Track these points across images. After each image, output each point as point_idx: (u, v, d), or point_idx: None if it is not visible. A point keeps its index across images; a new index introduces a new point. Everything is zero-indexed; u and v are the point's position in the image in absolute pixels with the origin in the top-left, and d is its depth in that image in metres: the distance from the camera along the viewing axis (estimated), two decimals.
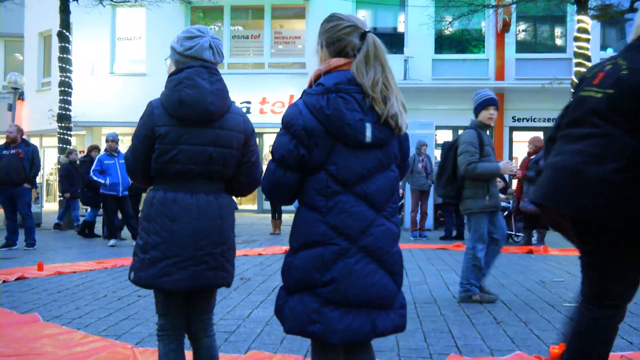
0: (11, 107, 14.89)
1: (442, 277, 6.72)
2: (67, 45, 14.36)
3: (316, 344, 2.14)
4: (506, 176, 10.55)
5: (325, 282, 2.03)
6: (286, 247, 2.19)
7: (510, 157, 17.70)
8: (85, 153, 13.38)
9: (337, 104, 2.01)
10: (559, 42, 19.48)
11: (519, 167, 9.95)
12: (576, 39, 14.12)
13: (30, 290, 5.90)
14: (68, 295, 5.61)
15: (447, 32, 19.49)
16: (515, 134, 18.80)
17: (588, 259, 2.36)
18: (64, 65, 14.30)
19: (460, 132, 18.92)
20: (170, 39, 2.61)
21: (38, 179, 10.30)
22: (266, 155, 14.32)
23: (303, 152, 2.04)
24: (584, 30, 13.93)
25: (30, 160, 9.45)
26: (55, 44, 15.68)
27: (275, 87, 18.94)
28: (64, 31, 14.26)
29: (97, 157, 10.33)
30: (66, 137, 14.37)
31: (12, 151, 9.40)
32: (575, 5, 14.14)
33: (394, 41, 19.39)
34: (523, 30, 19.79)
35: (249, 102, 18.89)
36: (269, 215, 13.36)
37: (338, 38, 2.11)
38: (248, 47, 20.24)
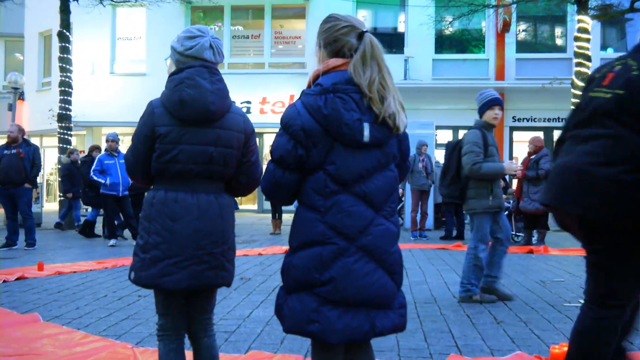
0: (11, 107, 14.89)
1: (442, 277, 6.72)
2: (67, 45, 14.36)
3: (316, 344, 2.14)
4: (506, 176, 10.54)
5: (324, 281, 2.03)
6: (286, 247, 2.19)
7: (511, 157, 17.71)
8: (86, 153, 13.39)
9: (335, 104, 2.02)
10: (559, 42, 19.49)
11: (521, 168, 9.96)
12: (576, 38, 14.12)
13: (30, 290, 5.90)
14: (68, 295, 5.61)
15: (447, 32, 19.49)
16: (516, 133, 18.81)
17: (594, 259, 2.36)
18: (64, 65, 14.30)
19: (460, 132, 18.89)
20: (171, 38, 2.61)
21: (38, 179, 10.29)
22: (266, 155, 14.32)
23: (301, 152, 2.04)
24: (584, 30, 13.92)
25: (31, 160, 9.45)
26: (56, 43, 15.67)
27: (276, 87, 18.94)
28: (64, 31, 14.26)
29: (97, 157, 10.34)
30: (66, 137, 14.37)
31: (13, 151, 9.40)
32: (575, 5, 14.14)
33: (394, 41, 19.41)
34: (523, 30, 19.80)
35: (249, 102, 18.90)
36: (269, 215, 13.36)
37: (335, 38, 2.12)
38: (248, 47, 20.25)
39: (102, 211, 10.94)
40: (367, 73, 2.05)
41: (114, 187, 9.90)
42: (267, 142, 18.95)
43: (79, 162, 12.50)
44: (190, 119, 2.39)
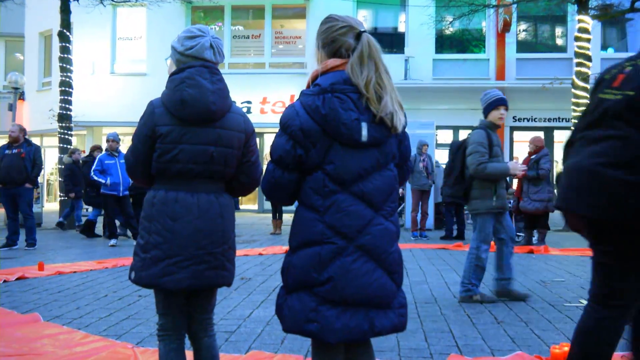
0: (12, 107, 14.89)
1: (442, 277, 6.72)
2: (67, 45, 14.36)
3: (316, 343, 2.14)
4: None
5: (323, 281, 2.04)
6: (286, 247, 2.20)
7: (511, 157, 17.69)
8: (87, 153, 13.38)
9: (333, 104, 2.03)
10: (559, 41, 19.49)
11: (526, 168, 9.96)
12: (577, 38, 14.12)
13: (30, 290, 5.91)
14: (69, 295, 5.61)
15: (447, 32, 19.49)
16: (516, 133, 18.81)
17: (602, 260, 2.36)
18: (64, 65, 14.30)
19: (461, 132, 18.85)
20: (171, 38, 2.61)
21: (39, 179, 10.29)
22: (266, 155, 14.33)
23: (300, 153, 2.05)
24: (584, 30, 13.93)
25: (32, 160, 9.46)
26: (56, 43, 15.69)
27: (276, 87, 18.95)
28: (65, 31, 14.26)
29: (97, 157, 10.34)
30: (67, 137, 14.38)
31: (14, 151, 9.41)
32: (575, 5, 14.15)
33: (395, 41, 19.41)
34: (524, 30, 19.80)
35: (249, 102, 18.90)
36: (270, 215, 13.37)
37: (333, 39, 2.13)
38: (249, 47, 20.25)
39: (103, 211, 10.94)
40: (365, 73, 2.06)
41: (114, 187, 9.91)
42: (267, 142, 18.96)
43: (81, 162, 12.50)
44: (191, 118, 2.39)
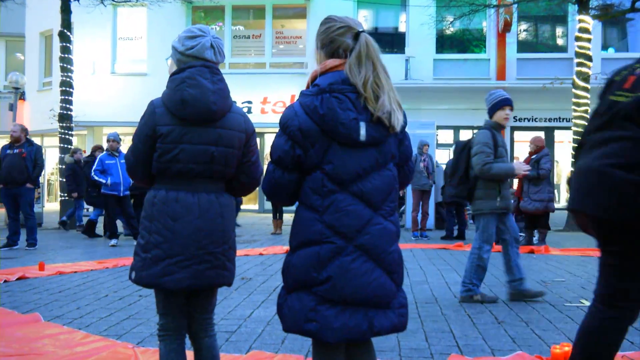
0: (12, 107, 14.90)
1: (443, 277, 6.72)
2: (68, 45, 14.37)
3: (316, 343, 2.14)
4: None
5: (322, 280, 2.04)
6: (287, 247, 2.20)
7: (512, 157, 17.70)
8: (88, 153, 13.39)
9: (331, 104, 2.04)
10: (560, 41, 19.49)
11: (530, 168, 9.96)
12: (577, 38, 14.12)
13: (31, 290, 5.91)
14: (69, 295, 5.61)
15: (448, 31, 19.50)
16: (517, 133, 18.81)
17: (609, 260, 2.36)
18: (65, 65, 14.31)
19: (461, 132, 18.80)
20: (172, 38, 2.61)
21: (40, 179, 10.30)
22: (267, 156, 14.32)
23: (299, 153, 2.06)
24: (585, 30, 13.93)
25: (34, 160, 9.46)
26: (57, 43, 15.70)
27: (277, 87, 18.95)
28: (65, 31, 14.28)
29: (98, 157, 10.34)
30: (67, 137, 14.39)
31: (16, 151, 9.42)
32: (576, 5, 14.15)
33: (395, 41, 19.42)
34: (524, 30, 19.81)
35: (250, 102, 18.91)
36: (270, 215, 13.37)
37: (331, 39, 2.14)
38: (249, 46, 20.26)
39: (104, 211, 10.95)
40: (362, 72, 2.07)
41: (114, 187, 9.91)
42: (268, 142, 18.97)
43: (82, 162, 12.50)
44: (192, 118, 2.39)
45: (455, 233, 11.60)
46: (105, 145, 10.53)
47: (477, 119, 18.47)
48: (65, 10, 14.28)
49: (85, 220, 12.32)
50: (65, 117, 14.34)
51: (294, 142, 2.06)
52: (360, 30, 2.13)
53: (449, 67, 18.76)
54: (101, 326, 4.39)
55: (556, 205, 10.96)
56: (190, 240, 2.37)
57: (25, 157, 9.36)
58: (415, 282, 6.34)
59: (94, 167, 10.08)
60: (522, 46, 19.06)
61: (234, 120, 2.50)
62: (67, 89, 14.33)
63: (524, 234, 10.41)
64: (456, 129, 18.89)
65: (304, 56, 19.51)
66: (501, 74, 18.49)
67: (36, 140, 10.08)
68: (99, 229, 11.72)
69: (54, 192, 22.31)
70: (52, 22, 18.65)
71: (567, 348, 3.44)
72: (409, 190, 12.32)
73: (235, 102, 2.57)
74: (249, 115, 2.63)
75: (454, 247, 9.94)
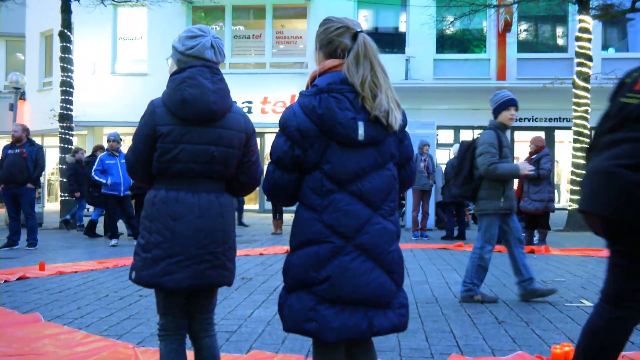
0: (13, 107, 14.91)
1: (443, 277, 6.72)
2: (68, 45, 14.37)
3: (316, 343, 2.15)
4: None
5: (321, 280, 2.05)
6: (287, 247, 2.20)
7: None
8: (89, 153, 13.38)
9: (329, 104, 2.05)
10: (560, 41, 19.48)
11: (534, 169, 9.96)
12: (577, 38, 14.12)
13: (31, 290, 5.91)
14: (69, 295, 5.61)
15: (448, 31, 19.49)
16: (517, 133, 18.80)
17: (617, 260, 2.36)
18: (65, 65, 14.31)
19: (461, 132, 18.78)
20: (172, 38, 2.61)
21: (41, 179, 10.30)
22: (267, 156, 14.31)
23: (298, 153, 2.07)
24: (585, 30, 13.93)
25: (34, 160, 9.47)
26: (57, 43, 15.70)
27: (277, 87, 18.95)
28: (66, 31, 14.28)
29: (98, 157, 10.35)
30: (67, 137, 14.39)
31: (17, 150, 9.42)
32: (576, 5, 14.15)
33: (396, 41, 19.41)
34: (524, 30, 19.80)
35: (250, 102, 18.91)
36: (271, 215, 13.37)
37: (330, 40, 2.16)
38: (249, 46, 20.26)
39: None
40: (360, 72, 2.08)
41: (115, 187, 9.91)
42: (268, 142, 18.97)
43: (83, 162, 12.51)
44: (192, 118, 2.39)
45: (456, 233, 11.60)
46: (105, 145, 10.53)
47: (477, 119, 18.59)
48: (66, 10, 14.28)
49: (86, 220, 12.32)
50: (65, 117, 14.34)
51: (293, 143, 2.07)
52: (359, 30, 2.14)
53: (449, 67, 18.76)
54: (101, 326, 4.39)
55: (556, 205, 10.96)
56: (190, 240, 2.38)
57: (26, 157, 9.36)
58: (416, 282, 6.34)
59: (94, 167, 10.09)
60: (523, 46, 19.06)
61: (234, 120, 2.50)
62: (68, 89, 14.33)
63: (524, 234, 10.41)
64: (456, 129, 18.89)
65: (304, 56, 19.51)
66: (501, 74, 18.48)
67: (36, 140, 10.06)
68: (99, 229, 11.72)
69: (55, 192, 22.32)
70: (52, 22, 18.65)
71: (568, 348, 3.44)
72: (409, 190, 12.31)
73: (235, 102, 2.57)
74: (249, 115, 2.63)
75: (454, 247, 9.94)
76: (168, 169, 2.40)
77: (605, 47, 18.96)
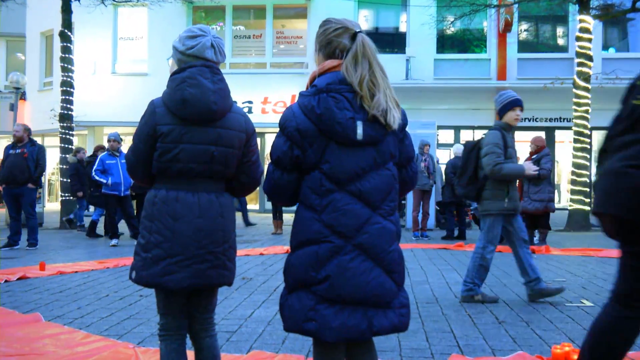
0: (13, 107, 14.91)
1: (443, 277, 6.71)
2: (69, 45, 14.38)
3: (316, 343, 2.15)
4: None
5: (320, 279, 2.05)
6: (287, 247, 2.21)
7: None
8: (90, 153, 13.38)
9: (328, 103, 2.05)
10: (560, 41, 19.47)
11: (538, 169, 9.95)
12: (578, 38, 14.11)
13: (32, 290, 5.91)
14: (70, 295, 5.61)
15: (449, 31, 19.49)
16: (517, 133, 18.64)
17: (629, 261, 2.36)
18: (65, 65, 14.32)
19: (462, 132, 18.78)
20: (172, 38, 2.62)
21: (41, 179, 10.31)
22: (267, 156, 14.31)
23: (297, 153, 2.08)
24: (585, 30, 13.92)
25: (35, 160, 9.47)
26: (57, 43, 15.70)
27: (277, 87, 18.95)
28: (66, 31, 14.28)
29: (98, 157, 10.35)
30: (68, 136, 14.40)
31: (18, 150, 9.43)
32: (577, 5, 14.14)
33: (396, 41, 19.41)
34: (525, 30, 19.79)
35: (250, 102, 18.91)
36: (271, 215, 13.37)
37: (329, 41, 2.17)
38: (250, 46, 20.26)
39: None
40: (358, 71, 2.09)
41: (115, 187, 9.92)
42: (268, 142, 18.98)
43: (85, 161, 12.51)
44: (192, 118, 2.39)
45: (456, 233, 11.60)
46: (106, 145, 10.54)
47: (477, 119, 18.60)
48: (66, 10, 14.29)
49: (87, 220, 12.31)
50: (65, 117, 14.35)
51: (292, 143, 2.08)
52: (358, 30, 2.15)
53: (450, 67, 18.75)
54: (102, 326, 4.39)
55: (556, 205, 10.95)
56: (190, 240, 2.38)
57: (27, 157, 9.36)
58: (416, 282, 6.34)
59: (94, 167, 10.09)
60: (523, 46, 19.05)
61: (235, 120, 2.50)
62: (68, 89, 14.34)
63: None
64: (457, 129, 18.88)
65: (304, 56, 19.51)
66: (502, 74, 18.48)
67: (37, 140, 10.06)
68: (100, 229, 11.73)
69: (55, 192, 22.32)
70: (52, 22, 18.65)
71: (568, 348, 3.44)
72: None
73: (235, 102, 2.57)
74: (250, 115, 2.63)
75: (455, 247, 9.94)
76: (168, 168, 2.40)
77: (605, 47, 18.95)
